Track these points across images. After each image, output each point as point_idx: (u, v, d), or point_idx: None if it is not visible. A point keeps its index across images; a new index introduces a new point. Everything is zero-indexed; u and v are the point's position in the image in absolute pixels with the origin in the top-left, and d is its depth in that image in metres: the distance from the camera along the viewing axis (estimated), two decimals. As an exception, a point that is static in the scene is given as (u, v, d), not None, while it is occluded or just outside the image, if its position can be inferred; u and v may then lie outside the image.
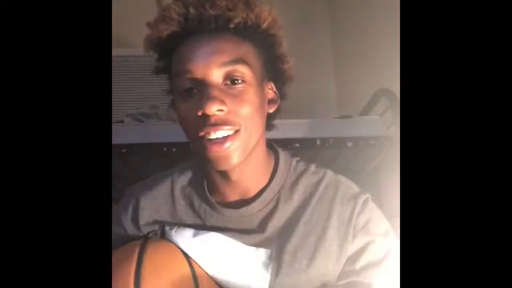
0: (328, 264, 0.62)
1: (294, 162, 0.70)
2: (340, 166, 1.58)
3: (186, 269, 0.61)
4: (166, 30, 0.60)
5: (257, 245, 0.63)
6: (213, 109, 0.55)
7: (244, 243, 0.64)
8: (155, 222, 0.69)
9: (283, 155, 0.70)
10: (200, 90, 0.57)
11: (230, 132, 0.57)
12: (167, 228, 0.67)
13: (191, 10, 0.59)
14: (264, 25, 0.61)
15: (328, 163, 1.53)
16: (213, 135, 0.56)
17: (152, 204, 0.70)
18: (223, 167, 0.59)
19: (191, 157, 0.76)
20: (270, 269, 0.62)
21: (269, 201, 0.65)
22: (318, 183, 0.66)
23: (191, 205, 0.68)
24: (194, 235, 0.64)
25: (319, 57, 2.41)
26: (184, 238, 0.64)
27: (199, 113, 0.55)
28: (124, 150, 1.31)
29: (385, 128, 1.35)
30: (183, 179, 0.71)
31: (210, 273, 0.62)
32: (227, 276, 0.63)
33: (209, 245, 0.64)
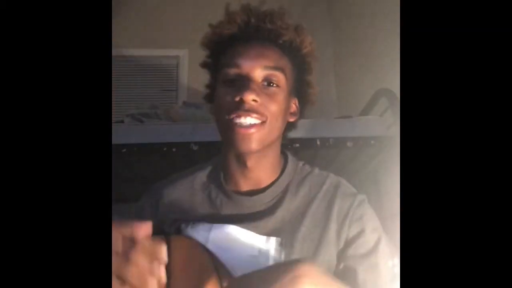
0: (329, 252, 0.68)
1: (300, 164, 0.81)
2: (340, 166, 1.58)
3: (209, 261, 0.64)
4: (227, 30, 0.73)
5: (268, 234, 0.70)
6: (250, 97, 0.65)
7: (256, 233, 0.70)
8: (176, 220, 0.74)
9: (291, 157, 0.81)
10: (241, 82, 0.68)
11: (257, 121, 0.67)
12: (183, 225, 0.72)
13: (252, 19, 0.72)
14: (305, 50, 0.75)
15: (328, 163, 1.53)
16: (243, 120, 0.66)
17: (173, 202, 0.77)
18: (243, 149, 0.67)
19: (190, 157, 0.79)
20: (282, 256, 0.68)
21: (278, 193, 0.74)
22: (321, 183, 0.75)
23: (208, 196, 0.77)
24: (210, 229, 0.70)
25: (319, 57, 2.42)
26: (200, 232, 0.70)
27: (237, 98, 0.66)
28: (124, 150, 1.31)
29: (385, 128, 1.35)
30: (203, 174, 0.81)
31: (227, 263, 0.66)
32: (242, 265, 0.66)
33: (224, 236, 0.69)
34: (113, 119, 1.43)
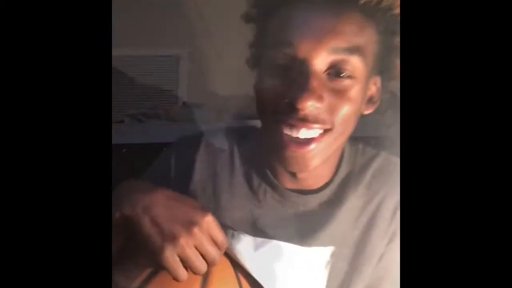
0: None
1: (360, 147, 0.65)
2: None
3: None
4: None
5: (323, 242, 0.58)
6: (307, 105, 0.46)
7: (305, 238, 0.58)
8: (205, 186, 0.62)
9: (348, 146, 0.63)
10: (295, 74, 0.47)
11: (319, 132, 0.49)
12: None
13: None
14: (397, 10, 0.49)
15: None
16: (295, 133, 0.49)
17: (209, 175, 0.63)
18: (297, 170, 0.53)
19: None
20: (337, 272, 0.57)
21: (335, 190, 0.59)
22: (390, 171, 0.60)
23: (248, 182, 0.61)
24: (256, 248, 0.58)
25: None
26: (243, 247, 0.59)
27: (286, 101, 0.47)
28: (124, 150, 1.31)
29: (385, 128, 1.35)
30: (242, 154, 0.63)
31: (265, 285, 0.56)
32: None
33: (269, 257, 0.58)
34: (113, 119, 1.43)
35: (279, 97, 0.48)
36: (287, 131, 0.49)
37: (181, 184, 0.64)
